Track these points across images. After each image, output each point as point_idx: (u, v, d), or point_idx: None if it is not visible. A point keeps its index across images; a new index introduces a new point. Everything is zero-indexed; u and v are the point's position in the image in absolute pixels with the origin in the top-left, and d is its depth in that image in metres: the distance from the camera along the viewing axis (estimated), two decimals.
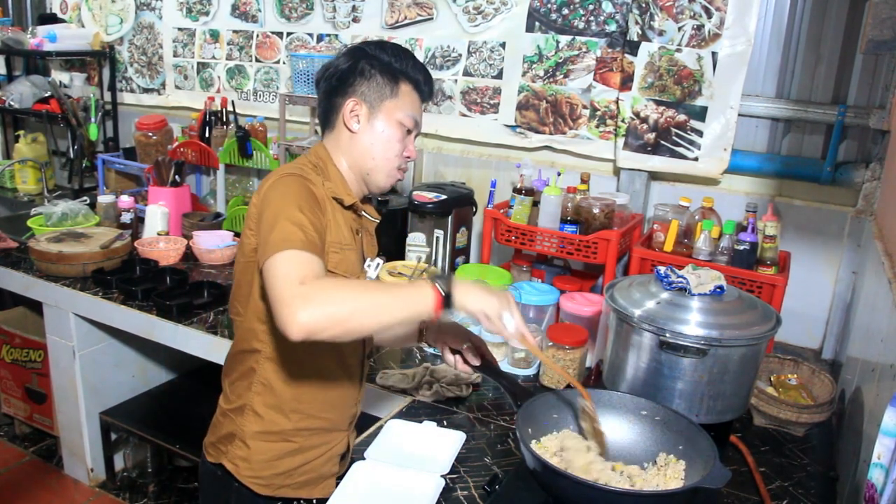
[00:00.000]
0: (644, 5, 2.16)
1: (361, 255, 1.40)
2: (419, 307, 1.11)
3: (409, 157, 1.38)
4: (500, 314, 1.14)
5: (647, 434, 1.25)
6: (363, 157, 1.34)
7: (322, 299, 1.06)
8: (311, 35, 2.89)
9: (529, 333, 1.18)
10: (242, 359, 1.36)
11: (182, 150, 3.05)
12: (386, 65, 1.33)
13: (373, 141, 1.33)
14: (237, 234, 2.79)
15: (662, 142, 2.23)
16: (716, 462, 1.09)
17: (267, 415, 1.35)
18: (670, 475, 1.16)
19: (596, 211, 2.06)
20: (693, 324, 1.32)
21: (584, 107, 2.37)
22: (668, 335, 1.31)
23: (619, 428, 1.27)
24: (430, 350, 1.98)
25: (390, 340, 1.61)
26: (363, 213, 1.41)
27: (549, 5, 2.37)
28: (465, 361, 1.41)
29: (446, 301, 1.11)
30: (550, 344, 1.80)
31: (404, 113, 1.34)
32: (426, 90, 1.39)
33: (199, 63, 3.24)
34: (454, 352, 1.43)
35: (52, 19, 3.58)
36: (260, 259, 1.17)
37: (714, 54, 2.10)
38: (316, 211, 1.23)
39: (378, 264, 1.45)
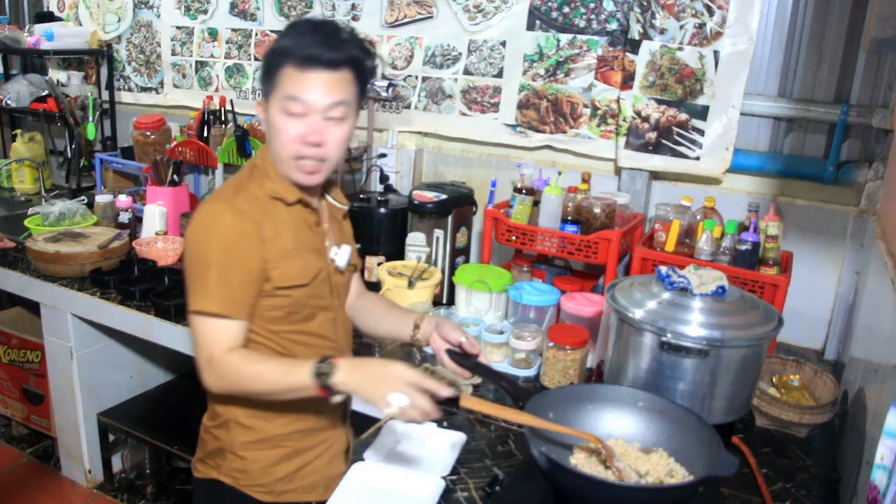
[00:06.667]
0: (645, 3, 2.15)
1: (327, 245, 1.38)
2: (306, 392, 1.20)
3: (313, 144, 1.23)
4: (385, 397, 1.14)
5: (647, 426, 1.26)
6: (270, 153, 1.31)
7: (228, 382, 1.26)
8: None
9: (434, 409, 1.16)
10: None
11: (180, 149, 3.03)
12: (271, 52, 1.25)
13: (268, 137, 1.29)
14: None
15: (664, 141, 2.22)
16: (721, 451, 1.08)
17: (253, 424, 1.34)
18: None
19: (597, 210, 2.04)
20: (695, 324, 1.31)
21: (585, 106, 2.36)
22: (669, 336, 1.30)
23: (622, 421, 1.27)
24: (430, 350, 1.96)
25: (379, 336, 1.63)
26: (320, 203, 1.38)
27: (549, 4, 2.36)
28: (459, 364, 1.39)
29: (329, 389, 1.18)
30: (551, 344, 1.79)
31: (283, 96, 1.22)
32: (305, 52, 1.19)
33: (197, 62, 3.23)
34: (450, 353, 1.41)
35: (50, 17, 3.56)
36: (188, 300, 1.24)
37: (716, 53, 2.09)
38: (243, 246, 1.22)
39: (347, 250, 1.41)
